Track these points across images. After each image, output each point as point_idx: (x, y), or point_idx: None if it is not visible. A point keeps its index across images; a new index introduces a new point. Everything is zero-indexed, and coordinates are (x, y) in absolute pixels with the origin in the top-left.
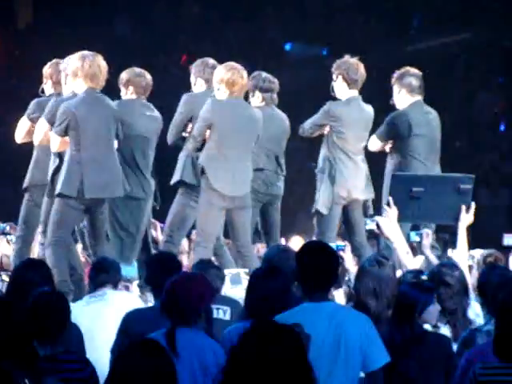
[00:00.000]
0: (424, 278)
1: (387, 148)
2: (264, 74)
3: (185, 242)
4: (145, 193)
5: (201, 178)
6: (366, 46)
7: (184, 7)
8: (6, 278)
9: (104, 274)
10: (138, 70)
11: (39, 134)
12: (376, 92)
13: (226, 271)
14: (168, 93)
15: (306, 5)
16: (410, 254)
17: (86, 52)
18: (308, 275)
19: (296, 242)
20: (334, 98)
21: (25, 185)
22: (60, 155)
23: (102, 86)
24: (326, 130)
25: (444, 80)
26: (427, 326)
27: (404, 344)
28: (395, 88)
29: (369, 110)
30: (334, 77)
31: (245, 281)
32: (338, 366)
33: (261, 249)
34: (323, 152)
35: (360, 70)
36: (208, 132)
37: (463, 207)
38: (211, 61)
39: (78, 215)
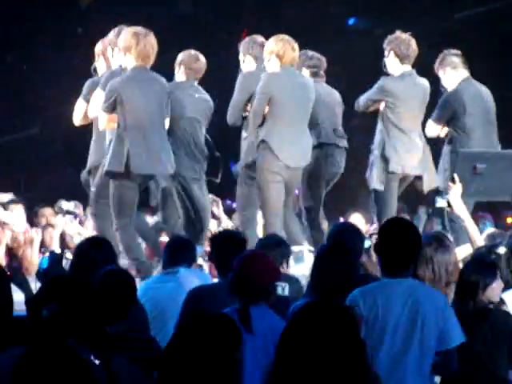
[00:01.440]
0: (503, 249)
1: (443, 133)
2: (310, 52)
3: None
4: (196, 173)
5: (260, 153)
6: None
7: None
8: (69, 256)
9: (179, 253)
10: (193, 52)
11: (81, 113)
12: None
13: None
14: (231, 70)
15: None
16: (478, 232)
17: (138, 29)
18: (390, 251)
19: (356, 219)
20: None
21: (87, 168)
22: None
23: (150, 65)
24: (382, 105)
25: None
26: None
27: (467, 320)
28: (440, 73)
29: (424, 83)
30: (386, 53)
31: (308, 258)
32: (413, 342)
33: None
34: (378, 128)
35: (412, 45)
36: (267, 107)
37: None
38: (260, 38)
39: (135, 193)
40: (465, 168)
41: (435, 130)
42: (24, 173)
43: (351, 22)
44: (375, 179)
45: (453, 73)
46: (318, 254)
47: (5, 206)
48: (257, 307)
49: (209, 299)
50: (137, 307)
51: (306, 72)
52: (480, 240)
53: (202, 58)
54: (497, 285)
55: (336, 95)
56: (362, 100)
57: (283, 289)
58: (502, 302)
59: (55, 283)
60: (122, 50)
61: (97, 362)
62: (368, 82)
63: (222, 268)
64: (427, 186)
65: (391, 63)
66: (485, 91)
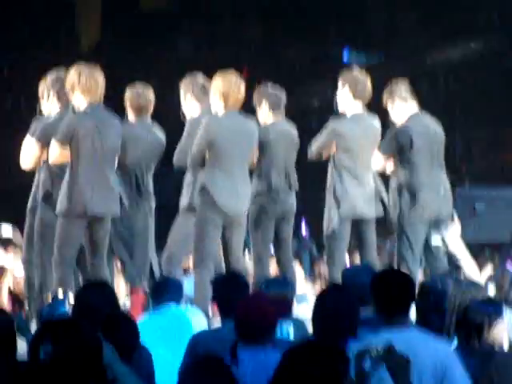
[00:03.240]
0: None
1: (388, 168)
2: (270, 86)
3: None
4: (144, 214)
5: (199, 197)
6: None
7: (246, 27)
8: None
9: (166, 293)
10: (138, 86)
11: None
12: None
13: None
14: None
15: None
16: (476, 270)
17: (81, 65)
18: (385, 303)
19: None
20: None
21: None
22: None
23: (101, 100)
24: (333, 148)
25: None
26: None
27: (472, 361)
28: (389, 105)
29: (375, 124)
30: (340, 86)
31: (311, 300)
32: None
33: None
34: (329, 171)
35: (367, 85)
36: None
37: None
38: (201, 79)
39: (81, 233)
40: (464, 207)
41: (380, 162)
42: None
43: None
44: (326, 223)
45: (402, 105)
46: (318, 296)
47: (5, 247)
48: (258, 347)
49: (211, 343)
50: (140, 351)
51: (265, 105)
52: (478, 278)
53: (147, 92)
54: (502, 325)
55: (293, 134)
56: (313, 146)
57: (288, 330)
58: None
59: (51, 325)
60: (69, 90)
61: None
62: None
63: (224, 310)
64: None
65: (344, 98)
66: (433, 126)
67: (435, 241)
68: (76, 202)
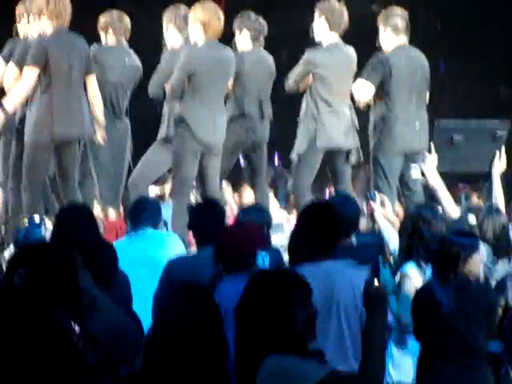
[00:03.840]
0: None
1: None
2: (253, 14)
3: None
4: (121, 134)
5: (177, 127)
6: None
7: None
8: (49, 223)
9: (144, 214)
10: (115, 12)
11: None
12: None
13: None
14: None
15: None
16: (453, 202)
17: None
18: (310, 236)
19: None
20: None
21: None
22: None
23: (67, 24)
24: (310, 78)
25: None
26: None
27: (448, 291)
28: (380, 29)
29: (351, 52)
30: (316, 17)
31: (287, 229)
32: (330, 329)
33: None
34: (305, 101)
35: (344, 16)
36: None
37: (497, 154)
38: (184, 10)
39: (49, 157)
40: (441, 139)
41: (368, 89)
42: None
43: None
44: (296, 150)
45: (392, 36)
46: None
47: None
48: (237, 276)
49: (187, 269)
50: (118, 281)
51: (246, 34)
52: (455, 212)
53: (127, 18)
54: (478, 256)
55: (269, 64)
56: (290, 78)
57: (263, 258)
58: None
59: (25, 249)
60: (36, 15)
61: (77, 328)
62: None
63: (201, 238)
64: (356, 159)
65: (320, 29)
66: (418, 60)
67: (415, 174)
68: (42, 127)
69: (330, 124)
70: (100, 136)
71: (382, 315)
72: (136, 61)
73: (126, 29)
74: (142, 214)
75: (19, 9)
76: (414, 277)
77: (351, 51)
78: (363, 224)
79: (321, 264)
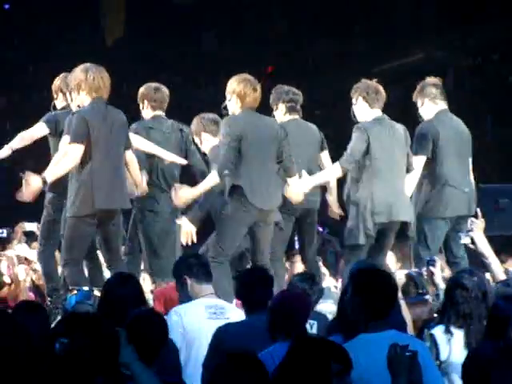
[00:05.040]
0: None
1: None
2: (287, 87)
3: None
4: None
5: (230, 196)
6: None
7: (272, 22)
8: (98, 293)
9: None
10: (153, 84)
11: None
12: None
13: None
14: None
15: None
16: (501, 269)
17: (88, 64)
18: (365, 304)
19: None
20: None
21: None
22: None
23: (106, 98)
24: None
25: None
26: None
27: (498, 357)
28: (419, 102)
29: (399, 127)
30: (354, 100)
31: (334, 295)
32: None
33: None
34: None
35: (380, 90)
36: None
37: None
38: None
39: (92, 231)
40: (487, 203)
41: (421, 163)
42: None
43: None
44: (362, 233)
45: (430, 104)
46: (342, 293)
47: (28, 243)
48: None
49: (236, 337)
50: (168, 349)
51: (282, 107)
52: (503, 277)
53: (164, 89)
54: None
55: (311, 132)
56: (348, 158)
57: (312, 326)
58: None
59: (70, 318)
60: (75, 89)
61: None
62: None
63: (249, 305)
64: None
65: (360, 109)
66: (460, 126)
67: (464, 240)
68: (83, 201)
69: (386, 198)
70: (141, 191)
71: (406, 379)
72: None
73: (163, 99)
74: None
75: (56, 84)
76: (439, 340)
77: (399, 126)
78: None
79: (384, 333)
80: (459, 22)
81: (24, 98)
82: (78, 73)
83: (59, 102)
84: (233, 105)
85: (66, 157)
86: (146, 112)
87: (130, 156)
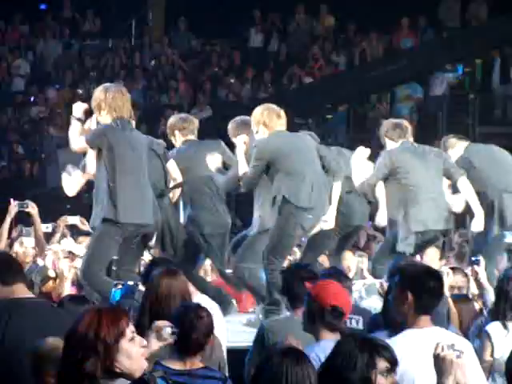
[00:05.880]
0: None
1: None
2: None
3: None
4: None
5: (281, 208)
6: None
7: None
8: (142, 287)
9: None
10: (182, 115)
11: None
12: None
13: (361, 281)
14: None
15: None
16: None
17: (108, 84)
18: (411, 300)
19: (431, 255)
20: None
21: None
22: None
23: (127, 117)
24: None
25: None
26: None
27: None
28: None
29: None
30: (383, 142)
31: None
32: None
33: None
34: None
35: (403, 124)
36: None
37: None
38: (246, 119)
39: (116, 244)
40: None
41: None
42: None
43: None
44: (403, 241)
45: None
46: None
47: (74, 237)
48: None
49: (280, 332)
50: (214, 343)
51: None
52: None
53: (191, 118)
54: None
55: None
56: (370, 183)
57: (357, 322)
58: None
59: None
60: (96, 109)
61: None
62: None
63: (293, 301)
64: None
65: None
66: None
67: (509, 237)
68: (108, 217)
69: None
70: None
71: (451, 378)
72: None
73: (193, 128)
74: None
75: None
76: (495, 337)
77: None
78: None
79: (428, 330)
80: None
81: None
82: (98, 93)
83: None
84: (261, 136)
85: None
86: (179, 141)
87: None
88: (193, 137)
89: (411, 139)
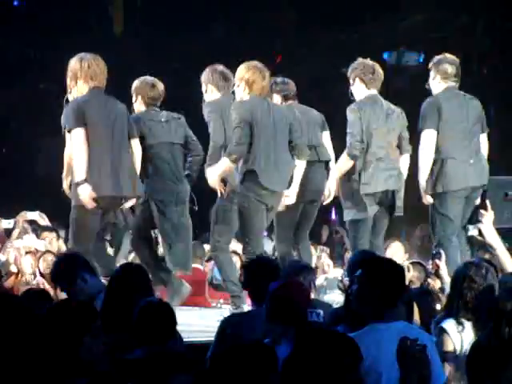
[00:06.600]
0: None
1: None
2: (278, 78)
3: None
4: (177, 198)
5: (243, 181)
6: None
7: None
8: (104, 281)
9: None
10: (149, 79)
11: None
12: None
13: (322, 276)
14: None
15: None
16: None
17: (83, 53)
18: (375, 294)
19: (395, 249)
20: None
21: None
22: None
23: (104, 85)
24: None
25: None
26: None
27: (504, 349)
28: (431, 74)
29: (395, 108)
30: (351, 81)
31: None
32: None
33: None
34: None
35: (377, 70)
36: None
37: None
38: (219, 67)
39: (98, 219)
40: (496, 195)
41: (432, 137)
42: None
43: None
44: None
45: (441, 83)
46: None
47: (38, 233)
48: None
49: (240, 326)
50: (175, 339)
51: (277, 97)
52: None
53: (160, 85)
54: None
55: (312, 113)
56: (353, 140)
57: (318, 315)
58: (443, 330)
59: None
60: (72, 79)
61: None
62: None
63: (256, 295)
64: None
65: (357, 90)
66: (470, 101)
67: (472, 231)
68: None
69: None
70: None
71: (416, 373)
72: (174, 115)
73: (158, 96)
74: None
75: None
76: (451, 333)
77: (393, 107)
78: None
79: (392, 325)
80: None
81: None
82: (73, 62)
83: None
84: (241, 91)
85: (74, 145)
86: (139, 106)
87: (133, 145)
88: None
89: None
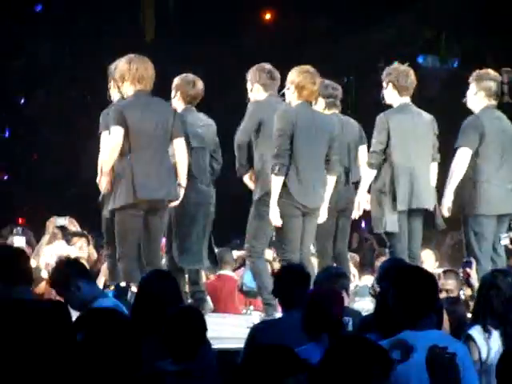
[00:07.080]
0: None
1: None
2: (327, 81)
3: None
4: (203, 200)
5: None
6: None
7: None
8: (134, 289)
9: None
10: (190, 77)
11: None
12: None
13: (353, 283)
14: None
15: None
16: None
17: (132, 55)
18: (409, 301)
19: (426, 257)
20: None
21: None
22: None
23: (150, 89)
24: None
25: None
26: None
27: None
28: (473, 87)
29: (425, 115)
30: (384, 84)
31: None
32: None
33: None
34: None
35: (410, 77)
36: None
37: None
38: (267, 66)
39: (138, 222)
40: None
41: (468, 156)
42: None
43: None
44: (389, 220)
45: (484, 100)
46: (382, 291)
47: (68, 239)
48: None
49: (271, 334)
50: (206, 347)
51: (321, 101)
52: None
53: (200, 84)
54: None
55: (350, 127)
56: (374, 150)
57: (347, 323)
58: (470, 337)
59: (90, 313)
60: (119, 80)
61: None
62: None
63: (286, 303)
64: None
65: (390, 95)
66: (506, 122)
67: (504, 241)
68: (125, 192)
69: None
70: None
71: (445, 381)
72: (209, 121)
73: (197, 95)
74: None
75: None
76: (478, 340)
77: (425, 114)
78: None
79: (426, 333)
80: None
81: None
82: (122, 63)
83: (114, 93)
84: (290, 95)
85: (108, 142)
86: (177, 103)
87: (176, 145)
88: None
89: None
